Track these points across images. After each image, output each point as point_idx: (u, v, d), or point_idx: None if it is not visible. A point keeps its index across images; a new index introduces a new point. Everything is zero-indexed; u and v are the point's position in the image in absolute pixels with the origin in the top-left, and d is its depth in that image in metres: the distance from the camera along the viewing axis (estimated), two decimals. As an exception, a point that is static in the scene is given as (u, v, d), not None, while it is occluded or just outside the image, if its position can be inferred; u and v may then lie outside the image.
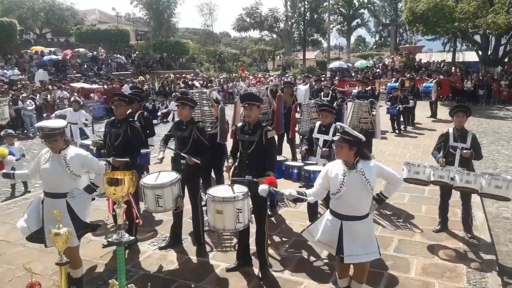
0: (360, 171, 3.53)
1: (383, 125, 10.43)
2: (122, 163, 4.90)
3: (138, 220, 3.36)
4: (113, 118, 5.35)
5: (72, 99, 12.74)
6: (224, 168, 4.84)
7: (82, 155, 4.06)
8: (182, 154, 4.90)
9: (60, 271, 3.06)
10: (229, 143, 5.28)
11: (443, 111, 16.93)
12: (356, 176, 3.54)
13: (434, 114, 16.65)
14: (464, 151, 5.36)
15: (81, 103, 11.21)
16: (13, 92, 16.26)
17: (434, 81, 17.48)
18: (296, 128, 8.75)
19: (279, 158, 5.51)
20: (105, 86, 20.70)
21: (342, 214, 3.58)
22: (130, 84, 18.51)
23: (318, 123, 5.85)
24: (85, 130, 9.82)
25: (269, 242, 4.92)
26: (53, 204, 3.88)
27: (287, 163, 5.51)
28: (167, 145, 5.41)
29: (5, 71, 22.00)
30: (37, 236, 4.06)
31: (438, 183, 5.31)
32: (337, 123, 4.02)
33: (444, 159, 5.49)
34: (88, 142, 7.24)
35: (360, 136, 3.63)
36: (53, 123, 4.14)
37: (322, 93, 12.56)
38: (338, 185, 3.56)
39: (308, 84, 16.37)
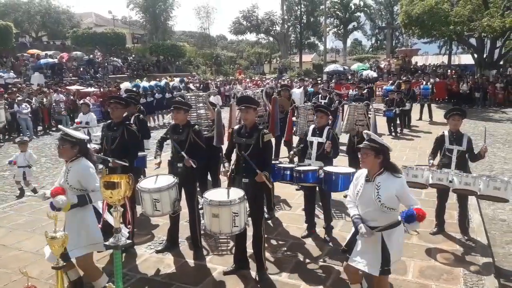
0: (376, 185, 3.47)
1: (379, 128, 10.48)
2: (120, 166, 4.89)
3: (129, 227, 3.34)
4: (109, 121, 5.35)
5: (81, 101, 12.77)
6: (221, 173, 4.82)
7: (83, 170, 3.89)
8: (182, 153, 4.89)
9: (57, 275, 3.05)
10: (226, 146, 5.27)
11: (438, 114, 16.99)
12: (370, 189, 3.49)
13: (430, 116, 16.65)
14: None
15: (90, 106, 11.31)
16: (6, 96, 16.20)
17: (429, 83, 17.56)
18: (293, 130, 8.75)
19: (273, 161, 5.49)
20: (101, 89, 20.65)
21: (362, 218, 3.58)
22: (130, 83, 18.71)
23: (312, 127, 5.86)
24: (90, 132, 9.80)
25: (266, 245, 4.91)
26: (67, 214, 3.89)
27: (279, 165, 5.49)
28: (162, 148, 5.40)
29: (1, 73, 21.94)
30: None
31: (437, 185, 5.33)
32: (364, 131, 3.94)
33: (433, 162, 5.53)
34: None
35: (387, 144, 3.60)
36: (73, 131, 4.09)
37: (320, 95, 12.59)
38: (355, 193, 3.61)
39: (302, 88, 16.42)
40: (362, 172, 3.68)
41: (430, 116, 16.52)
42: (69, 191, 3.87)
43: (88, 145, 6.79)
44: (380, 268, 3.48)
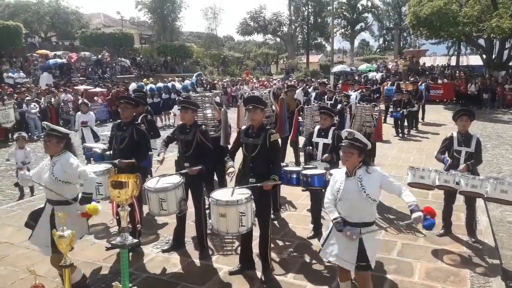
0: (358, 178, 3.52)
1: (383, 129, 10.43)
2: (128, 164, 4.93)
3: (139, 226, 3.36)
4: (119, 121, 5.39)
5: (80, 101, 12.78)
6: (228, 174, 4.81)
7: (67, 161, 3.96)
8: (183, 171, 4.89)
9: (64, 273, 3.08)
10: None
11: (446, 115, 16.89)
12: (353, 183, 3.53)
13: (422, 118, 16.51)
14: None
15: (89, 105, 11.22)
16: (16, 95, 16.35)
17: (423, 84, 17.44)
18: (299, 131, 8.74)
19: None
20: (112, 90, 20.75)
21: (344, 219, 3.57)
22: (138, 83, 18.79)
23: (317, 127, 5.85)
24: (96, 131, 9.72)
25: (272, 245, 4.92)
26: (47, 210, 3.96)
27: (285, 168, 5.50)
28: (167, 147, 5.42)
29: (10, 74, 22.15)
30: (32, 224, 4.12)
31: (443, 187, 5.30)
32: (346, 129, 3.94)
33: (451, 161, 5.45)
34: (91, 144, 7.26)
35: (367, 142, 3.63)
36: (58, 127, 4.16)
37: (326, 96, 12.60)
38: (335, 191, 3.61)
39: (302, 88, 16.49)
40: (338, 172, 3.73)
41: (422, 117, 16.37)
42: (53, 184, 3.92)
43: (96, 144, 6.86)
44: (356, 264, 3.52)
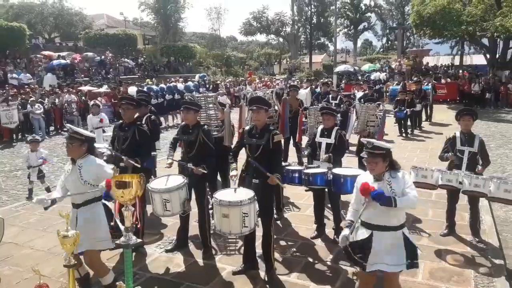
0: (387, 181, 3.46)
1: (386, 129, 10.38)
2: (132, 165, 4.94)
3: (138, 224, 3.35)
4: (121, 121, 5.41)
5: (91, 103, 12.70)
6: (231, 177, 4.82)
7: (98, 164, 4.00)
8: (189, 166, 4.91)
9: (68, 273, 3.09)
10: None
11: (449, 115, 16.83)
12: (382, 186, 3.45)
13: (429, 118, 16.48)
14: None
15: (101, 106, 11.19)
16: (20, 96, 16.43)
17: (430, 84, 17.40)
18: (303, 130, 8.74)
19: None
20: (114, 90, 20.81)
21: (372, 224, 3.49)
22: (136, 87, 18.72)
23: (320, 127, 5.84)
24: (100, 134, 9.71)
25: (275, 245, 4.92)
26: (73, 215, 3.91)
27: (288, 167, 5.50)
28: (175, 149, 5.44)
29: (15, 74, 22.25)
30: None
31: (446, 187, 5.28)
32: (362, 138, 3.88)
33: (453, 154, 5.42)
34: (100, 145, 7.26)
35: (389, 146, 3.58)
36: (81, 130, 4.16)
37: (330, 96, 12.57)
38: (360, 197, 3.53)
39: (309, 88, 16.38)
40: (363, 177, 3.65)
41: (430, 117, 16.33)
42: (81, 187, 3.91)
43: (101, 145, 6.86)
44: (406, 262, 3.45)
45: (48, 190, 8.20)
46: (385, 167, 3.50)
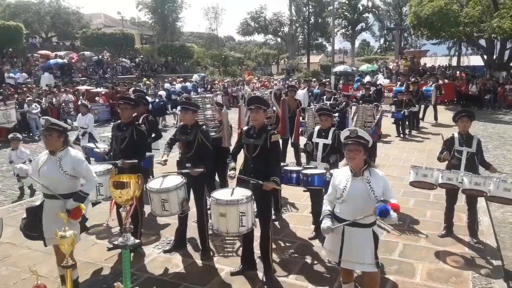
0: (366, 179, 3.49)
1: (384, 130, 10.36)
2: (130, 165, 4.94)
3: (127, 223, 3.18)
4: (119, 121, 5.40)
5: (79, 103, 12.65)
6: (229, 177, 4.82)
7: (76, 158, 4.02)
8: (185, 171, 4.90)
9: (66, 274, 3.08)
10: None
11: (447, 116, 16.88)
12: (360, 183, 3.49)
13: (435, 118, 16.55)
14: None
15: (89, 107, 11.05)
16: (17, 96, 16.37)
17: (434, 85, 17.45)
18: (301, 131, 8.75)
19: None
20: (111, 90, 20.77)
21: (344, 219, 3.52)
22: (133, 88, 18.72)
23: (317, 128, 5.84)
24: (93, 134, 9.62)
25: (273, 246, 4.92)
26: (52, 205, 3.91)
27: (285, 168, 5.49)
28: (171, 149, 5.42)
29: (12, 74, 22.17)
30: (35, 235, 4.05)
31: (446, 185, 5.29)
32: (348, 128, 3.89)
33: (447, 152, 5.45)
34: (92, 145, 7.24)
35: (370, 138, 3.61)
36: (58, 121, 4.18)
37: (325, 96, 12.59)
38: (340, 190, 3.55)
39: (306, 88, 16.43)
40: (340, 172, 3.68)
41: (435, 117, 16.40)
42: (64, 180, 3.92)
43: (95, 145, 6.83)
44: (375, 262, 3.49)
45: (31, 188, 8.15)
46: (363, 162, 3.52)
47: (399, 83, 20.50)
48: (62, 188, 3.95)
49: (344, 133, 3.71)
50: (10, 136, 8.48)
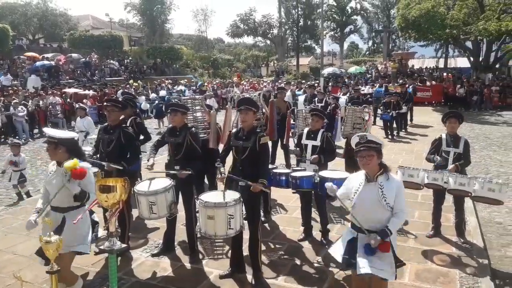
0: (380, 185, 3.38)
1: (373, 131, 10.39)
2: (115, 169, 4.87)
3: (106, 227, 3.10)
4: (106, 124, 5.34)
5: (77, 106, 12.39)
6: (217, 181, 4.79)
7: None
8: (172, 172, 4.87)
9: (51, 280, 3.03)
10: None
11: (435, 117, 17.06)
12: (373, 188, 3.39)
13: (411, 119, 16.65)
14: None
15: (86, 109, 10.91)
16: (3, 98, 16.15)
17: (411, 86, 17.65)
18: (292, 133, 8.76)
19: (270, 166, 5.47)
20: (98, 92, 20.61)
21: (357, 226, 3.46)
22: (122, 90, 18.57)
23: (306, 129, 5.85)
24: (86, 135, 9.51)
25: (262, 248, 4.90)
26: (55, 218, 3.70)
27: (274, 170, 5.49)
28: (157, 151, 5.36)
29: (-3, 76, 21.92)
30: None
31: (432, 185, 5.34)
32: (357, 134, 3.81)
33: (439, 157, 5.49)
34: (88, 148, 7.16)
35: (381, 140, 3.52)
36: (56, 132, 3.93)
37: (316, 98, 12.63)
38: (352, 194, 3.50)
39: (290, 90, 16.53)
40: (355, 175, 3.62)
41: (410, 119, 16.42)
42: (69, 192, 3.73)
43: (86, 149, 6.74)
44: (395, 272, 3.37)
45: (28, 194, 8.08)
46: (378, 167, 3.44)
47: (378, 84, 20.76)
48: (64, 201, 3.73)
49: (354, 140, 3.57)
50: (9, 141, 8.40)
